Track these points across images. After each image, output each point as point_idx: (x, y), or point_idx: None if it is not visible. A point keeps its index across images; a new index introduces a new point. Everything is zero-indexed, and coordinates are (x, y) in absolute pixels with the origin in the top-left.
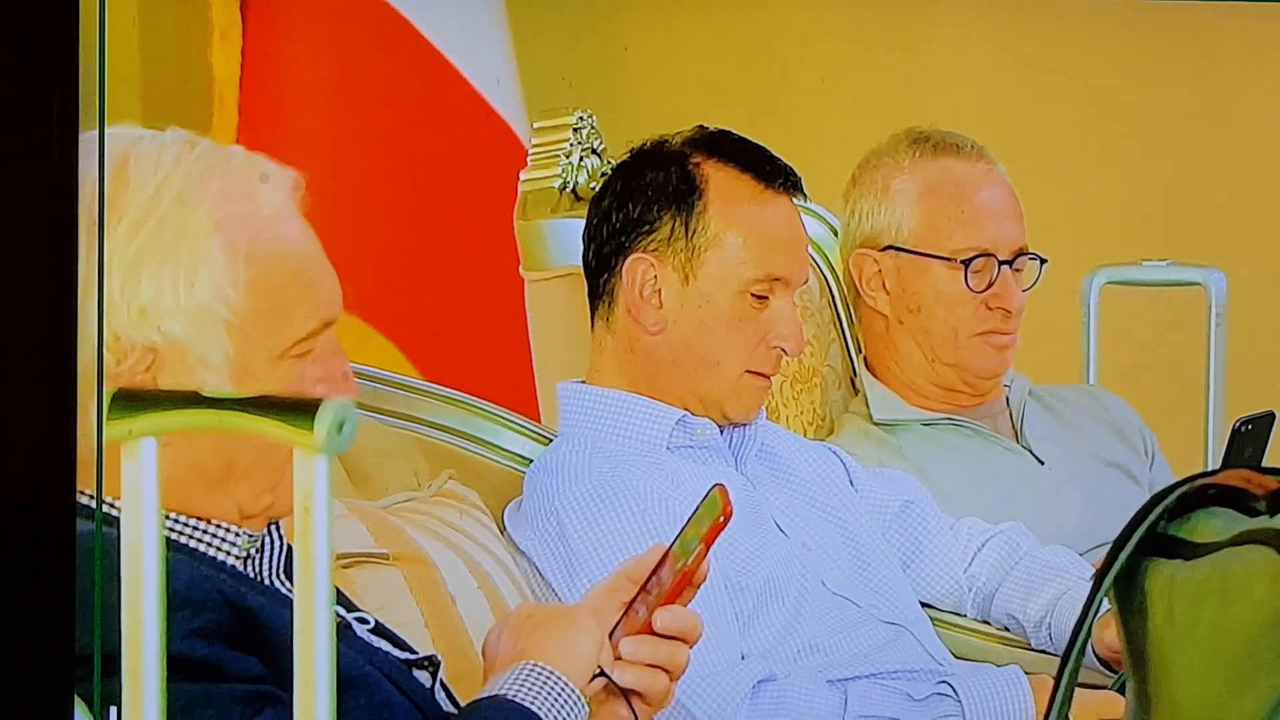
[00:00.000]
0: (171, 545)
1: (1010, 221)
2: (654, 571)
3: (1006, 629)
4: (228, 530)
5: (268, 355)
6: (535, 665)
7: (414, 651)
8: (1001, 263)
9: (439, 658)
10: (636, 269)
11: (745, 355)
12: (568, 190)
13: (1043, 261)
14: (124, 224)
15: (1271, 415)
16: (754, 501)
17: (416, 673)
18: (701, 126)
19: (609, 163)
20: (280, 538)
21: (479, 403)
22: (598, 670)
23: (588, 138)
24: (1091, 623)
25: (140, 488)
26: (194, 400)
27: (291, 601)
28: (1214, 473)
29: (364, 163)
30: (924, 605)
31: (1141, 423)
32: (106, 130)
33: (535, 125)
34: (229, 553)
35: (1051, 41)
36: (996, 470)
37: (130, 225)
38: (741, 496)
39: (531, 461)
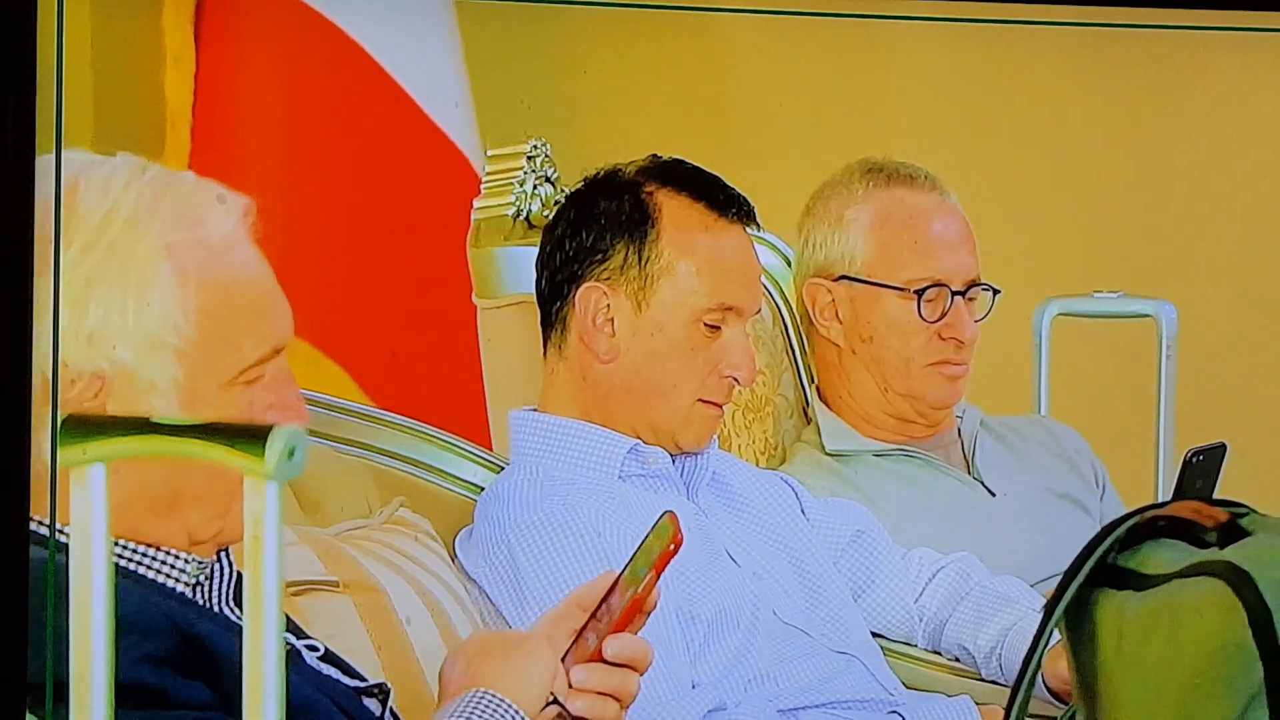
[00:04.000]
0: (120, 572)
1: (963, 252)
2: (604, 599)
3: (957, 659)
4: (177, 557)
5: (217, 381)
6: (486, 693)
7: (363, 679)
8: (954, 293)
9: (389, 685)
10: (589, 297)
11: (697, 384)
12: (521, 218)
13: (995, 292)
14: (73, 249)
15: (1223, 447)
16: (705, 530)
17: (366, 700)
18: (655, 156)
19: (562, 191)
20: (230, 565)
21: (431, 430)
22: (550, 698)
23: (542, 166)
24: (1042, 653)
25: (90, 514)
26: (145, 426)
27: (241, 629)
28: (1164, 504)
29: (317, 188)
30: (875, 635)
31: (1092, 454)
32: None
33: (489, 153)
34: (178, 580)
35: (1005, 73)
36: (948, 501)
37: (79, 251)
38: (693, 525)
39: (483, 489)
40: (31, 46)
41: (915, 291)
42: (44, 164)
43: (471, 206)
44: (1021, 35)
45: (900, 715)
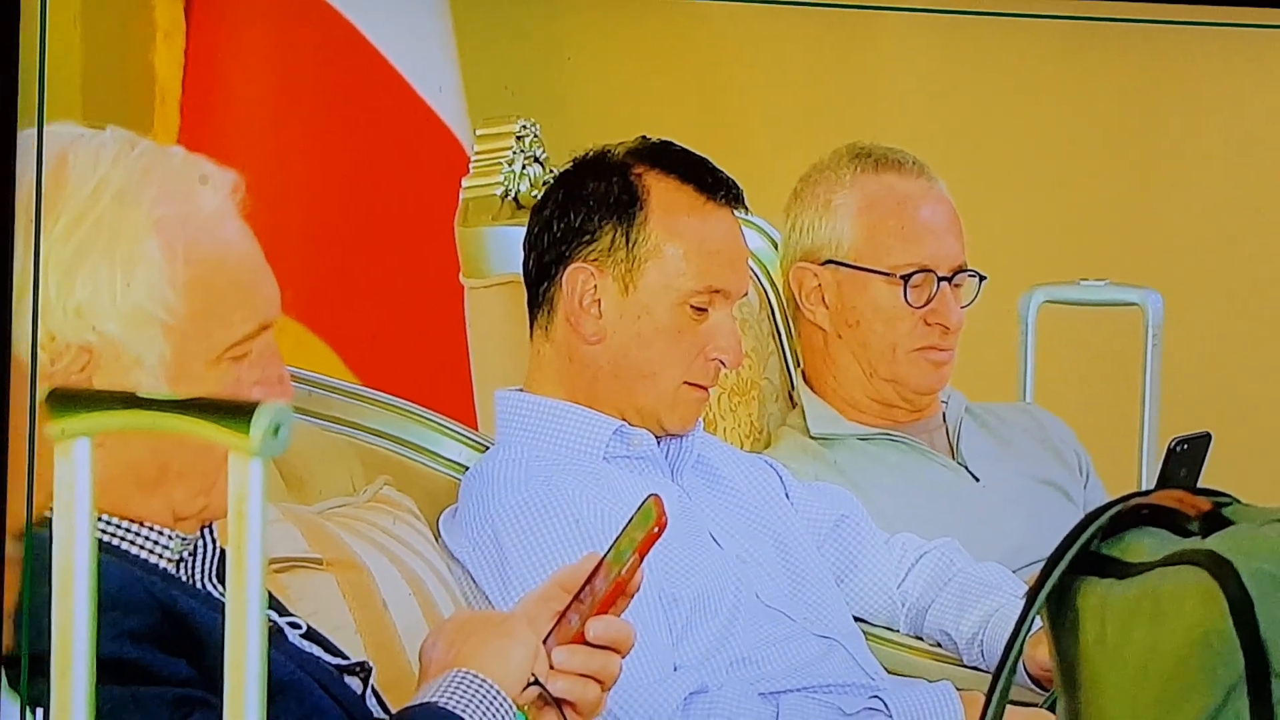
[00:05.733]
0: (103, 547)
1: (950, 238)
2: (587, 580)
3: (939, 645)
4: (160, 533)
5: (204, 357)
6: (467, 673)
7: (345, 657)
8: (941, 279)
9: (370, 664)
10: (576, 278)
11: (683, 367)
12: (509, 198)
13: (982, 279)
14: (61, 223)
15: (1207, 436)
16: (689, 513)
17: (348, 679)
18: (644, 137)
19: (551, 171)
20: (213, 541)
21: (416, 409)
22: (531, 679)
23: (530, 146)
24: (1024, 640)
25: (73, 488)
26: (130, 401)
27: (223, 605)
28: (1148, 493)
29: (306, 166)
30: (857, 620)
31: (1077, 441)
32: (45, 129)
33: (478, 132)
34: (161, 555)
35: (994, 60)
36: (932, 486)
37: (67, 224)
38: (677, 508)
39: (468, 469)
40: (15, 20)
41: (902, 277)
42: (26, 139)
43: (460, 185)
44: (1010, 26)
45: (881, 700)
